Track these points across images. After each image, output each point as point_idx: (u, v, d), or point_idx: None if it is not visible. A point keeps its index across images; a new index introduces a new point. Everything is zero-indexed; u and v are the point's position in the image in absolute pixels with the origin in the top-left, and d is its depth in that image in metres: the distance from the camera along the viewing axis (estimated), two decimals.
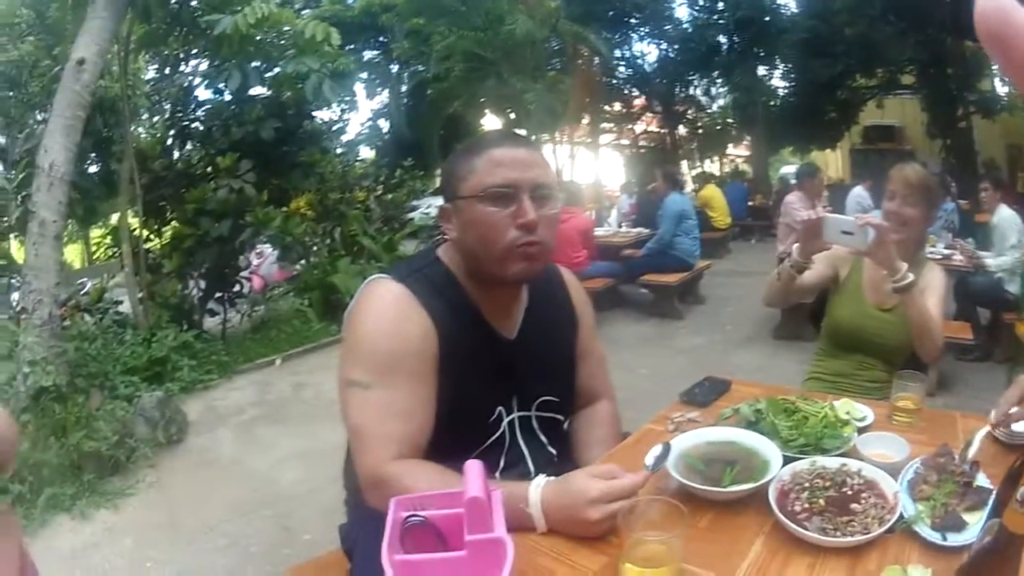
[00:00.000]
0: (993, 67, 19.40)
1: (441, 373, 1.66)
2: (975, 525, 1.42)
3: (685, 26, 20.80)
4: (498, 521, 1.21)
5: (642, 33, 21.30)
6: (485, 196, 1.62)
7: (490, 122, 18.59)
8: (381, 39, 19.32)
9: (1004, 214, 6.73)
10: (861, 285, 2.80)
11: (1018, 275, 5.86)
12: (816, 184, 7.96)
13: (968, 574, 1.04)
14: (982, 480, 1.61)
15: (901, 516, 1.46)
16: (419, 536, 1.24)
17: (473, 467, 1.24)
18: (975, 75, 18.44)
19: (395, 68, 19.93)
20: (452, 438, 1.67)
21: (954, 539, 1.40)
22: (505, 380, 1.80)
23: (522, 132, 14.77)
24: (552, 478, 1.49)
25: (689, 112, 23.40)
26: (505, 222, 1.62)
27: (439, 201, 1.89)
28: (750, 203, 16.51)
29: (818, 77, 17.75)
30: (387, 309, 1.66)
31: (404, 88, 18.92)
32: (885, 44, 16.25)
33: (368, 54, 20.74)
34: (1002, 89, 19.99)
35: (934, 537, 1.41)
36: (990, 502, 1.43)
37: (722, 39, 20.41)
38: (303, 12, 13.59)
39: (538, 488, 1.45)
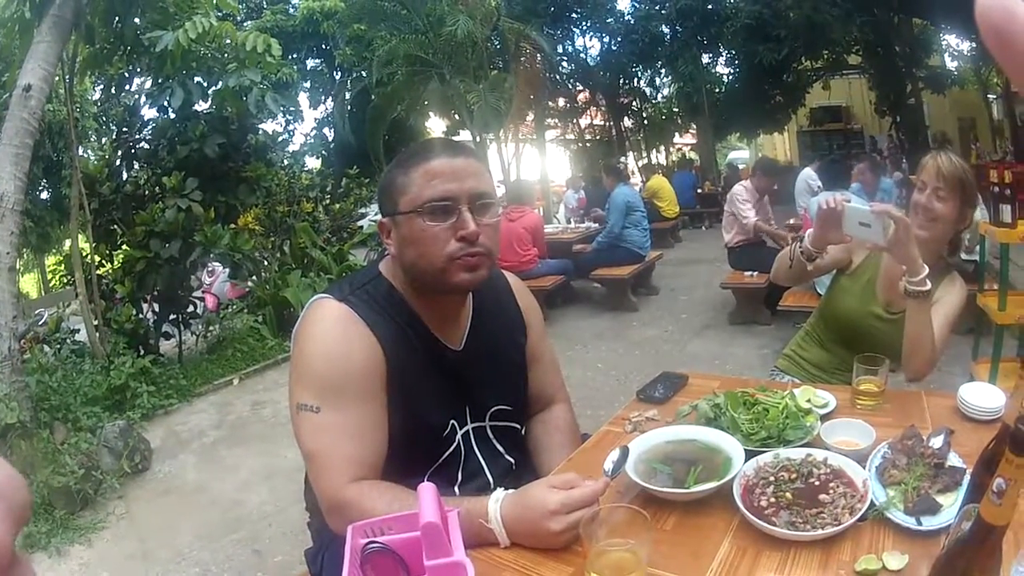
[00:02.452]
0: (943, 43, 20.03)
1: (390, 390, 1.65)
2: (950, 507, 1.43)
3: (627, 18, 20.77)
4: (456, 543, 1.21)
5: (584, 27, 21.30)
6: (423, 211, 1.60)
7: (435, 124, 18.67)
8: (323, 47, 19.29)
9: None
10: (874, 279, 2.62)
11: (977, 245, 5.77)
12: (767, 183, 7.85)
13: (945, 565, 1.04)
14: (954, 459, 1.60)
15: (872, 503, 1.44)
16: (380, 562, 1.24)
17: (425, 491, 1.22)
18: (924, 52, 18.63)
19: (338, 76, 19.89)
20: (407, 455, 1.68)
21: (929, 523, 1.39)
22: (455, 392, 1.79)
23: (467, 133, 14.97)
24: (511, 491, 1.48)
25: (634, 104, 23.42)
26: (445, 236, 1.60)
27: None
28: (699, 191, 16.80)
29: (763, 62, 17.66)
30: (330, 331, 1.64)
31: (347, 95, 18.75)
32: (830, 26, 16.22)
33: (311, 63, 20.74)
34: (951, 64, 20.65)
35: (908, 522, 1.40)
36: (964, 483, 1.47)
37: (665, 29, 20.34)
38: (245, 24, 13.54)
39: (497, 502, 1.44)
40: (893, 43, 17.88)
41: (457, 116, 16.39)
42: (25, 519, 0.50)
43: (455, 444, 1.79)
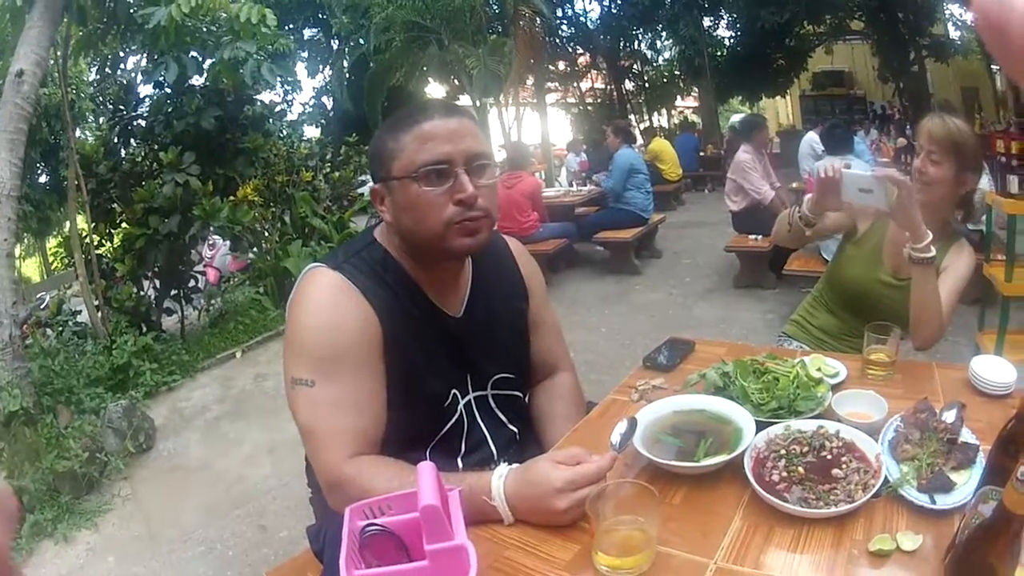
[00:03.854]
0: (946, 11, 19.70)
1: (388, 360, 1.60)
2: (963, 485, 1.39)
3: None
4: (457, 525, 1.17)
5: None
6: (418, 176, 1.54)
7: (434, 90, 18.55)
8: (320, 16, 19.13)
9: None
10: (880, 246, 2.58)
11: (983, 215, 5.79)
12: (763, 136, 7.91)
13: (965, 551, 1.02)
14: (967, 435, 1.56)
15: (886, 480, 1.41)
16: (380, 544, 1.21)
17: (425, 470, 1.18)
18: (927, 19, 18.42)
19: (335, 44, 19.79)
20: (408, 427, 1.64)
21: (943, 501, 1.36)
22: (456, 361, 1.74)
23: (466, 98, 15.08)
24: (515, 466, 1.44)
25: (635, 67, 23.40)
26: (442, 200, 1.55)
27: None
28: (701, 153, 16.60)
29: (765, 26, 17.59)
30: (323, 301, 1.59)
31: (345, 64, 18.73)
32: None
33: (308, 32, 20.67)
34: (955, 33, 20.25)
35: (922, 500, 1.36)
36: (978, 461, 1.44)
37: None
38: None
39: (501, 479, 1.40)
40: (896, 9, 17.75)
41: (456, 81, 16.20)
42: (15, 524, 0.53)
43: (457, 414, 1.74)
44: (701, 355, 2.19)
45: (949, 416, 1.60)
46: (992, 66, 23.51)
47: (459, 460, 1.73)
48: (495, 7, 15.86)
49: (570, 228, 8.54)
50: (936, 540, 1.24)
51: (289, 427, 1.53)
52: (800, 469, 1.43)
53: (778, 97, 24.89)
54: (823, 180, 2.21)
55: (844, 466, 1.44)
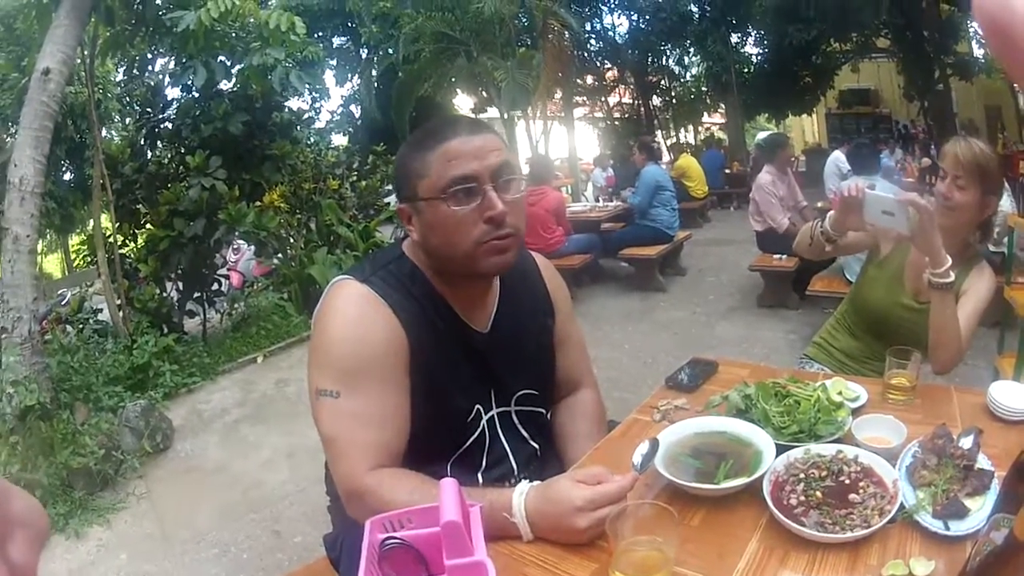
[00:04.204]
0: (970, 30, 19.37)
1: (413, 374, 1.60)
2: (978, 511, 1.39)
3: None
4: (477, 541, 1.18)
5: (612, 5, 21.17)
6: (446, 196, 1.52)
7: (462, 102, 18.76)
8: (349, 24, 19.25)
9: None
10: (902, 268, 2.55)
11: (1005, 237, 5.77)
12: (786, 155, 7.86)
13: None
14: (983, 461, 1.56)
15: (902, 505, 1.41)
16: (399, 558, 1.21)
17: (447, 487, 1.20)
18: (952, 38, 18.29)
19: (364, 53, 19.85)
20: (431, 441, 1.63)
21: (957, 528, 1.36)
22: (481, 376, 1.73)
23: (494, 110, 14.76)
24: (536, 483, 1.44)
25: (662, 82, 23.32)
26: (471, 218, 1.54)
27: None
28: (727, 171, 16.44)
29: (792, 42, 17.53)
30: (351, 313, 1.58)
31: (374, 73, 18.79)
32: (859, 8, 15.93)
33: (337, 41, 20.77)
34: (979, 51, 20.06)
35: (936, 526, 1.36)
36: (993, 487, 1.43)
37: (693, 8, 20.24)
38: (270, 2, 13.55)
39: (522, 496, 1.40)
40: (922, 27, 17.65)
41: (484, 93, 16.24)
42: (45, 542, 0.54)
43: (479, 429, 1.74)
44: (723, 376, 2.19)
45: (966, 442, 1.61)
46: (1015, 85, 24.12)
47: (480, 475, 1.73)
48: (524, 20, 15.81)
49: (596, 243, 8.51)
50: (949, 566, 1.25)
51: (309, 433, 1.54)
52: (818, 493, 1.43)
53: (804, 115, 24.83)
54: (846, 199, 2.19)
55: (862, 491, 1.45)
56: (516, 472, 1.77)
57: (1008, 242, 5.27)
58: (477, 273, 1.62)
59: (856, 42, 19.58)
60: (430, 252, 1.64)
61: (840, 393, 1.90)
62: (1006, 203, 5.87)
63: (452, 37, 14.12)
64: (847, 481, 1.47)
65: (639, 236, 8.42)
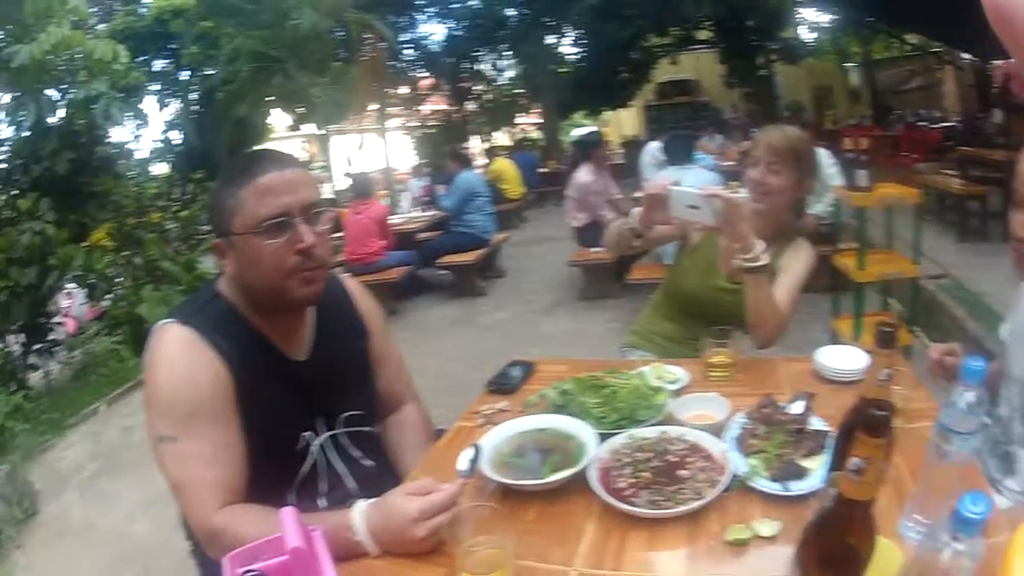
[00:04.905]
0: (800, 15, 20.59)
1: (241, 410, 1.66)
2: (817, 471, 1.49)
3: (473, 2, 20.95)
4: (326, 563, 1.28)
5: (429, 13, 21.33)
6: (260, 230, 1.60)
7: (278, 121, 18.46)
8: (171, 46, 18.43)
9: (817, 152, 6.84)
10: (715, 255, 2.62)
11: (832, 208, 6.07)
12: (601, 153, 8.27)
13: (811, 537, 1.04)
14: (817, 423, 1.68)
15: (734, 474, 1.50)
16: None
17: (286, 515, 1.27)
18: (778, 25, 18.95)
19: (187, 75, 19.12)
20: (269, 473, 1.70)
21: (798, 487, 1.45)
22: (305, 404, 1.80)
23: (311, 126, 16.19)
24: (372, 501, 1.51)
25: (477, 87, 23.55)
26: (283, 251, 1.62)
27: None
28: (543, 170, 17.07)
29: (610, 40, 18.03)
30: (176, 357, 1.63)
31: (194, 96, 18.24)
32: (679, 3, 16.44)
33: (160, 64, 19.68)
34: (809, 35, 21.66)
35: (775, 488, 1.46)
36: (828, 447, 1.55)
37: (510, 12, 20.66)
38: (98, 27, 13.11)
39: (361, 514, 1.47)
40: (746, 18, 18.19)
41: (302, 111, 16.20)
42: None
43: (313, 455, 1.81)
44: (543, 374, 2.27)
45: (797, 407, 1.76)
46: (846, 64, 25.22)
47: (323, 499, 1.81)
48: (341, 33, 15.70)
49: (414, 255, 8.66)
50: (796, 524, 1.29)
51: (162, 480, 1.65)
52: (646, 474, 1.52)
53: (622, 109, 25.18)
54: (650, 196, 2.27)
55: (690, 466, 1.54)
56: (355, 492, 1.82)
57: (835, 213, 5.83)
58: (290, 303, 1.71)
59: (676, 36, 20.09)
60: (245, 285, 1.72)
61: (660, 377, 2.03)
62: (835, 176, 6.37)
63: (270, 55, 14.11)
64: (674, 459, 1.57)
65: (456, 243, 8.69)
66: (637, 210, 2.37)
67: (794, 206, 2.64)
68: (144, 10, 18.36)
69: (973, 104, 17.20)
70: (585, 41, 21.06)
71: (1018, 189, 1.69)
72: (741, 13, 17.81)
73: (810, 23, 22.33)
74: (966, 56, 17.44)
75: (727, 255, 2.43)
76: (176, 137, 19.67)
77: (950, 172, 10.16)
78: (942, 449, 1.24)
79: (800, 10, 20.43)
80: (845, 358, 2.06)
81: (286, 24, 13.52)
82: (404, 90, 22.24)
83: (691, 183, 2.33)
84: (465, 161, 9.60)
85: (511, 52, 21.88)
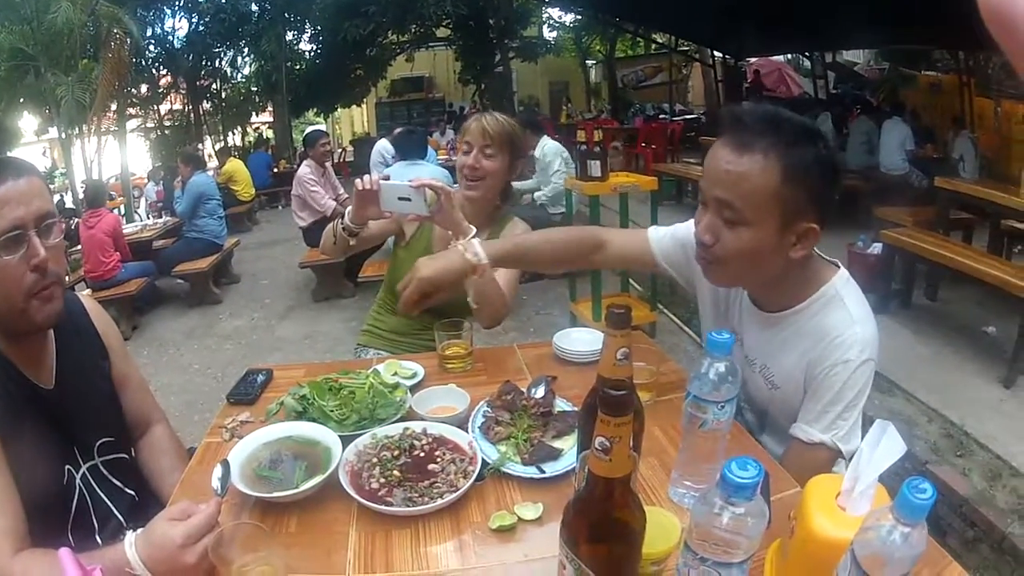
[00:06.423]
0: (544, 15, 22.06)
1: (5, 449, 1.47)
2: (570, 450, 1.51)
3: None
4: None
5: (176, 7, 20.28)
6: None
7: (27, 123, 17.51)
8: None
9: (548, 145, 7.31)
10: (431, 245, 2.59)
11: (562, 199, 6.35)
12: (322, 148, 8.06)
13: (575, 517, 1.00)
14: (562, 404, 1.71)
15: (485, 462, 1.49)
16: None
17: (63, 558, 1.15)
18: (519, 24, 19.88)
19: None
20: (40, 513, 1.52)
21: (553, 468, 1.46)
22: (57, 435, 1.63)
23: (55, 130, 14.85)
24: (140, 531, 1.35)
25: (213, 86, 22.90)
26: (20, 270, 1.47)
27: None
28: (275, 170, 16.46)
29: (347, 37, 18.20)
30: None
31: None
32: (421, 1, 17.26)
33: None
34: (550, 35, 23.24)
35: (530, 472, 1.46)
36: (576, 427, 1.52)
37: (254, 7, 20.52)
38: None
39: (132, 547, 1.31)
40: (487, 17, 19.07)
41: (49, 111, 15.26)
42: None
43: (77, 491, 1.66)
44: (280, 381, 2.15)
45: (538, 391, 1.76)
46: (587, 61, 26.81)
47: (97, 536, 1.67)
48: (91, 29, 14.91)
49: (149, 267, 8.05)
50: (558, 504, 1.32)
51: None
52: (396, 472, 1.47)
53: (354, 106, 25.54)
54: (360, 193, 2.19)
55: (439, 459, 1.51)
56: (124, 524, 1.71)
57: (567, 202, 6.07)
58: (32, 325, 1.55)
59: (415, 33, 20.95)
60: None
61: (396, 373, 1.98)
62: (563, 167, 7.01)
63: (26, 53, 13.68)
64: (422, 454, 1.54)
65: (191, 250, 8.27)
66: (350, 208, 2.33)
67: (505, 190, 2.67)
68: None
69: (720, 98, 18.53)
70: (323, 38, 21.18)
71: (703, 188, 1.60)
72: (484, 12, 18.76)
73: (553, 22, 23.86)
74: (717, 53, 18.47)
75: (442, 243, 2.43)
76: None
77: (691, 161, 11.46)
78: (697, 418, 1.29)
79: (546, 9, 21.84)
80: (582, 340, 2.10)
81: (43, 19, 13.06)
82: (144, 89, 21.19)
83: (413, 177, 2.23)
84: (198, 163, 9.01)
85: (250, 49, 21.58)
